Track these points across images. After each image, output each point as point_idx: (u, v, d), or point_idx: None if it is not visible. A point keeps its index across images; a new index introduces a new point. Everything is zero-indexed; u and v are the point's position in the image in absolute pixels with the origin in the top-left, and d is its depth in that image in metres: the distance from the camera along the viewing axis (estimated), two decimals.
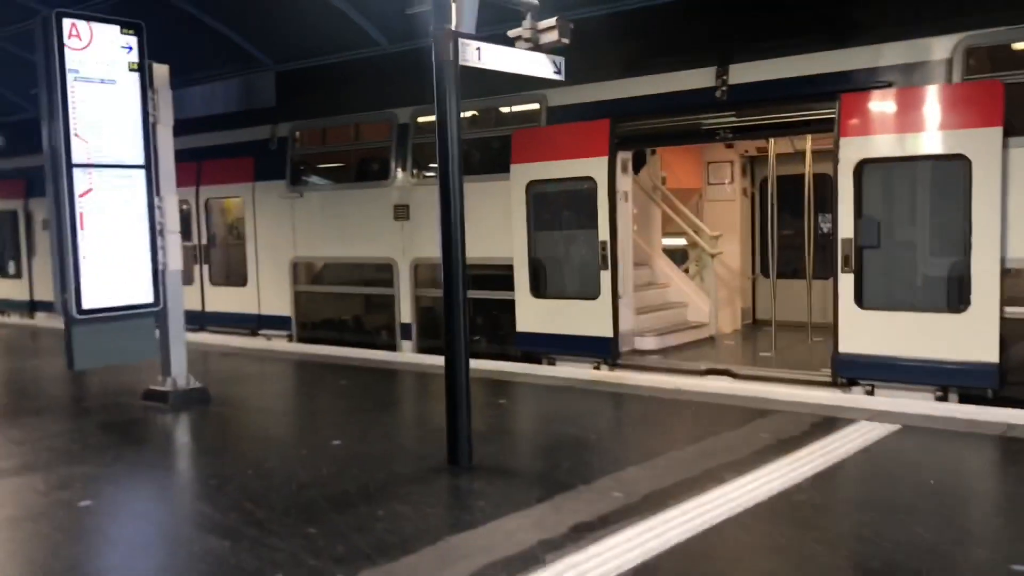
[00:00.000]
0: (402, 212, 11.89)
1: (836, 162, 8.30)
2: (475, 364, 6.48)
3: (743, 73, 9.14)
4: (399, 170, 11.98)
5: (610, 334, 10.01)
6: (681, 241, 12.72)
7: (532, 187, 10.50)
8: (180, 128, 14.48)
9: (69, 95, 7.55)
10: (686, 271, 12.02)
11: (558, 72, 6.71)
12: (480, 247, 10.69)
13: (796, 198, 12.56)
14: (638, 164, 10.99)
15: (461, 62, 5.87)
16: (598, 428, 7.24)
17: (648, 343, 10.39)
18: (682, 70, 9.51)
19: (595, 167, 9.96)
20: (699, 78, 9.40)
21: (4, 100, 16.81)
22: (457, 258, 5.92)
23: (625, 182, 10.15)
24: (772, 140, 10.17)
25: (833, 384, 8.56)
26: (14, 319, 17.10)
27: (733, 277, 11.96)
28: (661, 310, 11.04)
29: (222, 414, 8.12)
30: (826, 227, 11.70)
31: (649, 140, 10.09)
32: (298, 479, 5.77)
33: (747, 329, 12.13)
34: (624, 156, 10.11)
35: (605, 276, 9.97)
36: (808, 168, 10.72)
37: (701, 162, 12.39)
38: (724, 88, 9.19)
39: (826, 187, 10.76)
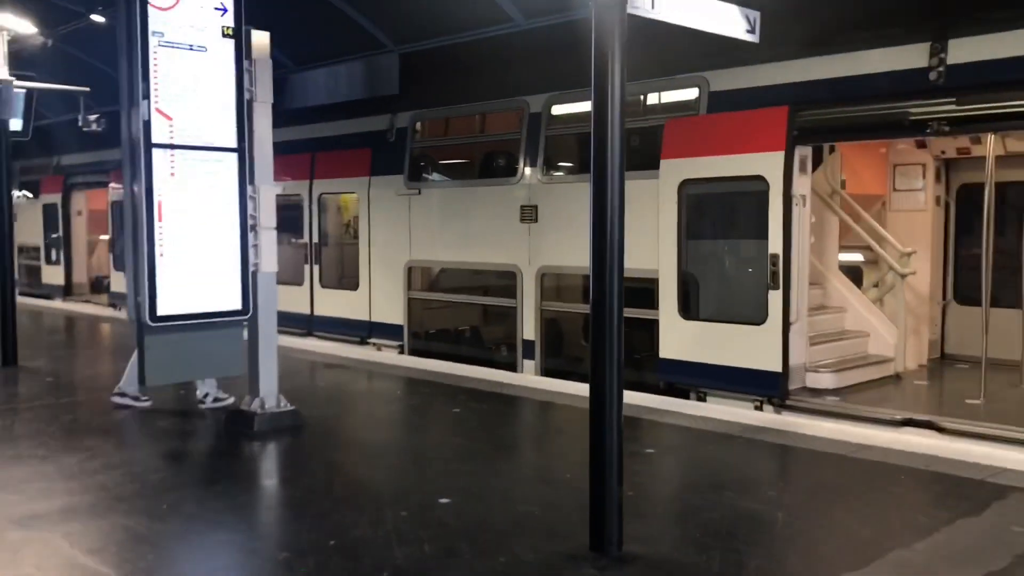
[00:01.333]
0: (529, 214, 10.43)
1: None
2: None
3: (966, 50, 7.24)
4: (528, 166, 10.51)
5: (778, 368, 8.26)
6: (858, 257, 10.79)
7: (686, 187, 8.85)
8: (295, 117, 13.56)
9: (151, 62, 6.39)
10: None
11: (751, 31, 5.08)
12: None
13: (998, 210, 10.47)
14: (814, 163, 9.16)
15: (630, 9, 4.31)
16: (782, 501, 5.54)
17: (823, 380, 8.57)
18: (884, 46, 7.68)
19: (767, 164, 8.24)
20: (907, 56, 7.55)
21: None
22: (614, 276, 4.38)
23: (803, 184, 8.38)
24: (990, 136, 8.18)
25: None
26: (56, 303, 18.38)
27: (920, 302, 9.96)
28: (837, 340, 9.18)
29: (313, 447, 6.81)
30: None
31: (837, 133, 8.28)
32: (392, 561, 4.33)
33: (935, 366, 10.10)
34: (803, 152, 8.34)
35: (775, 297, 8.23)
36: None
37: (886, 164, 10.44)
38: (941, 68, 7.32)
39: None
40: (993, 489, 5.62)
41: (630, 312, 10.19)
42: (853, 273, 10.33)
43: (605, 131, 4.28)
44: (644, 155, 9.23)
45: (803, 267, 8.41)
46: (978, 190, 10.34)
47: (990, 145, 8.14)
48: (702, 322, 8.86)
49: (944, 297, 10.47)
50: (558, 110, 10.43)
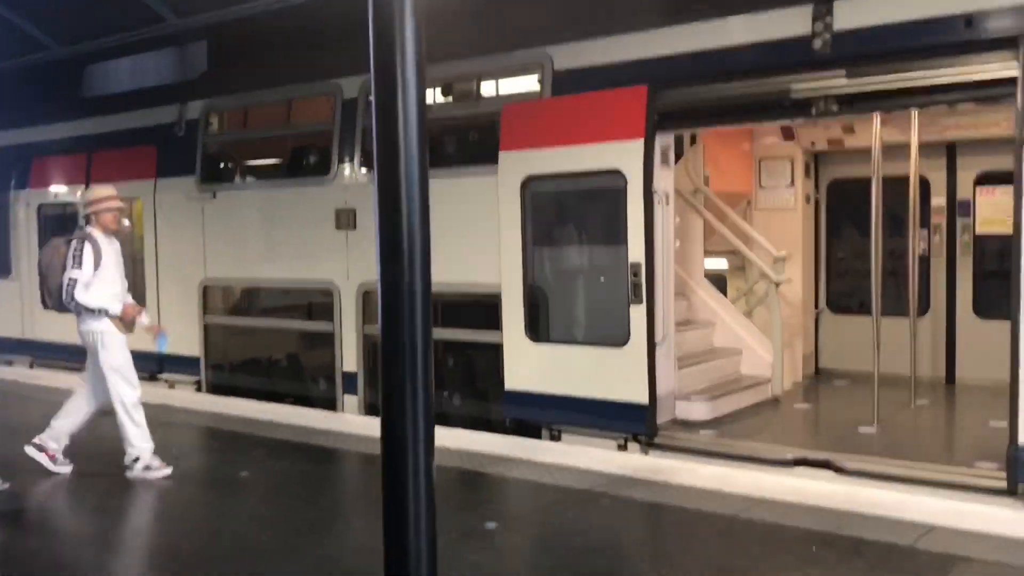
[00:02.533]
0: (346, 219, 8.67)
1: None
2: (444, 438, 3.31)
3: (857, 13, 6.05)
4: (343, 163, 8.76)
5: (644, 398, 6.87)
6: (722, 263, 9.61)
7: (530, 185, 7.35)
8: (73, 109, 11.27)
9: None
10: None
11: None
12: (448, 269, 7.60)
13: (866, 208, 9.53)
14: (675, 156, 7.85)
15: None
16: None
17: (695, 411, 7.24)
18: (759, 11, 6.41)
19: (624, 155, 6.84)
20: (786, 23, 6.30)
21: None
22: (414, 295, 2.73)
23: (666, 178, 7.02)
24: (876, 120, 7.04)
25: (1010, 492, 5.47)
26: None
27: (792, 312, 8.85)
28: (707, 361, 7.90)
29: (23, 558, 4.84)
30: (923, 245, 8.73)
31: (706, 117, 6.95)
32: None
33: (812, 383, 9.01)
34: (665, 141, 6.99)
35: (638, 313, 6.84)
36: (914, 167, 7.66)
37: (751, 158, 9.31)
38: (826, 36, 6.10)
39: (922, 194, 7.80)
40: (932, 561, 4.34)
41: (472, 335, 8.89)
42: (717, 282, 9.12)
43: (392, 118, 2.61)
44: (487, 148, 7.69)
45: (668, 277, 7.06)
46: (852, 186, 9.37)
47: (876, 129, 7.01)
48: (553, 345, 7.37)
49: (817, 306, 9.43)
50: None
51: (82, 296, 6.04)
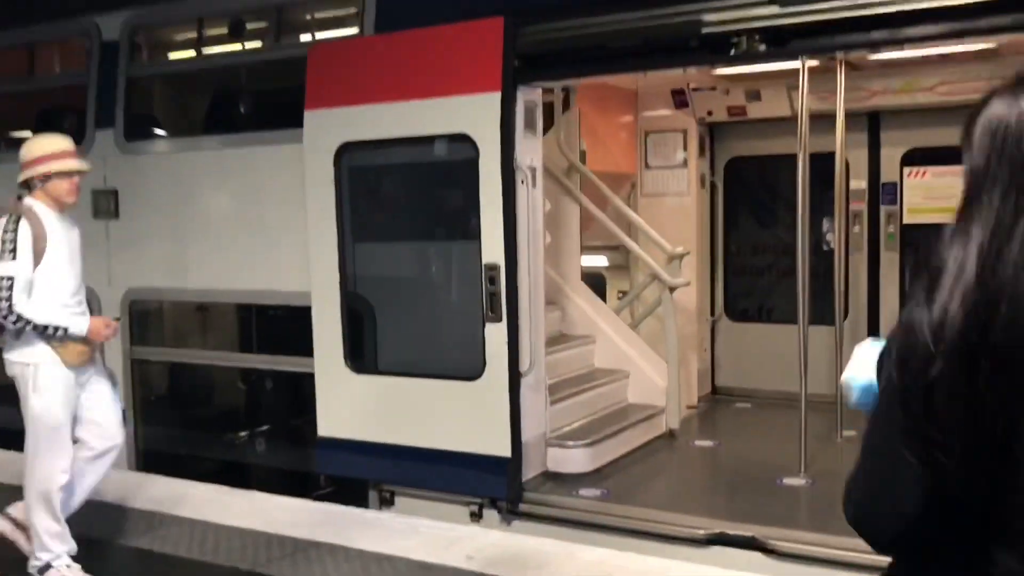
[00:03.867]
0: (107, 204, 6.42)
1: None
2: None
3: None
4: (101, 128, 6.49)
5: (505, 450, 5.01)
6: (600, 260, 7.85)
7: (346, 156, 5.35)
8: None
9: None
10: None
11: None
12: (242, 270, 5.58)
13: (772, 192, 8.00)
14: (544, 124, 5.97)
15: None
16: None
17: (573, 460, 5.40)
18: None
19: (474, 115, 4.95)
20: None
21: None
22: None
23: (533, 149, 5.14)
24: (802, 74, 5.35)
25: None
26: None
27: (687, 320, 7.15)
28: (586, 388, 6.06)
29: None
30: (831, 238, 7.22)
31: (587, 63, 5.05)
32: None
33: (710, 407, 7.37)
34: (531, 97, 5.11)
35: (496, 334, 4.96)
36: (840, 139, 6.09)
37: (635, 131, 7.56)
38: None
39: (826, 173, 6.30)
40: None
41: (271, 362, 6.29)
42: (592, 283, 7.32)
43: None
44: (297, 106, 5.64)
45: (537, 283, 5.19)
46: (754, 166, 7.79)
47: (804, 82, 5.31)
48: (381, 377, 5.41)
49: (712, 312, 7.79)
50: (150, 37, 6.53)
51: (23, 306, 3.91)
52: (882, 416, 1.34)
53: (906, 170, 7.06)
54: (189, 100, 6.80)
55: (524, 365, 5.06)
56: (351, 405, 5.47)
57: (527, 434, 5.14)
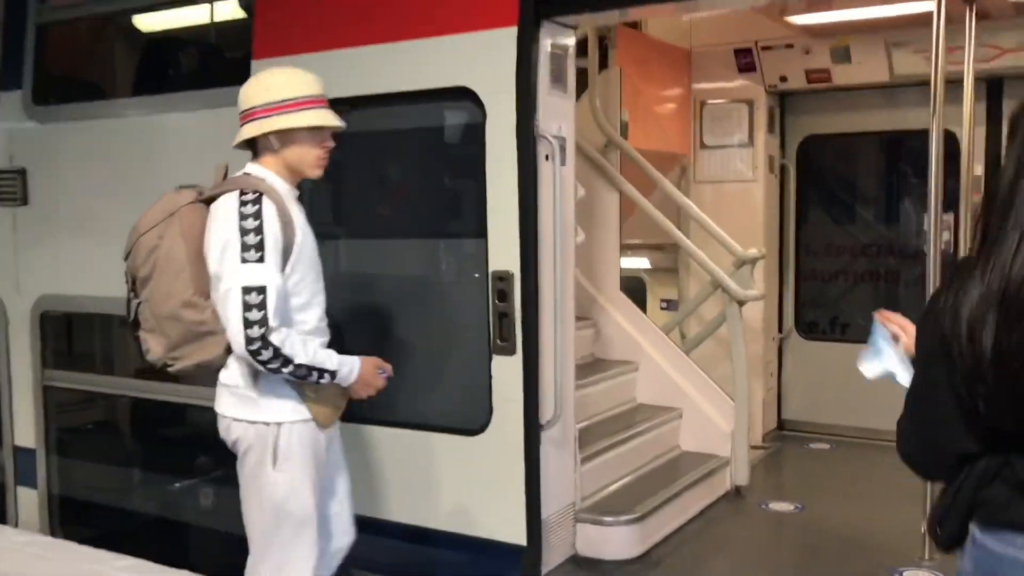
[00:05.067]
0: (11, 186, 5.01)
1: None
2: None
3: None
4: (7, 90, 5.08)
5: (519, 535, 3.56)
6: (640, 262, 6.38)
7: None
8: None
9: None
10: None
11: None
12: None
13: (860, 179, 6.52)
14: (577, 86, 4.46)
15: None
16: None
17: (614, 541, 3.92)
18: None
19: (479, 61, 3.49)
20: None
21: None
22: None
23: (563, 113, 3.66)
24: (939, 18, 3.84)
25: None
26: None
27: (752, 338, 5.63)
28: (628, 437, 4.56)
29: None
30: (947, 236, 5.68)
31: None
32: None
33: (778, 450, 5.86)
34: (560, 38, 3.63)
35: (507, 370, 3.50)
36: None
37: (688, 102, 6.05)
38: None
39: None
40: None
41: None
42: (628, 287, 5.80)
43: None
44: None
45: (566, 297, 3.70)
46: (836, 146, 6.30)
47: (939, 29, 3.80)
48: (346, 425, 3.95)
49: (780, 327, 6.28)
50: None
51: (281, 335, 2.63)
52: (926, 371, 1.67)
53: None
54: (118, 53, 5.37)
55: (547, 413, 3.61)
56: None
57: (549, 508, 3.68)
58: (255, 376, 2.72)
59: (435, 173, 3.95)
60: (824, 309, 6.40)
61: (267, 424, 2.73)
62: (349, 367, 2.77)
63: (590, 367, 4.81)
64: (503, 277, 3.52)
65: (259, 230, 2.59)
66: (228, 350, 2.71)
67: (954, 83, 5.10)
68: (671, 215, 5.30)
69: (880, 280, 6.15)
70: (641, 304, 5.96)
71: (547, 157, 3.54)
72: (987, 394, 1.53)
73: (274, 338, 2.57)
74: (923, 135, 5.52)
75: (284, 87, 2.73)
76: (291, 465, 2.74)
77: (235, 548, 4.22)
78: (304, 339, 2.68)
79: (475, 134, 3.51)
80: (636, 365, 5.02)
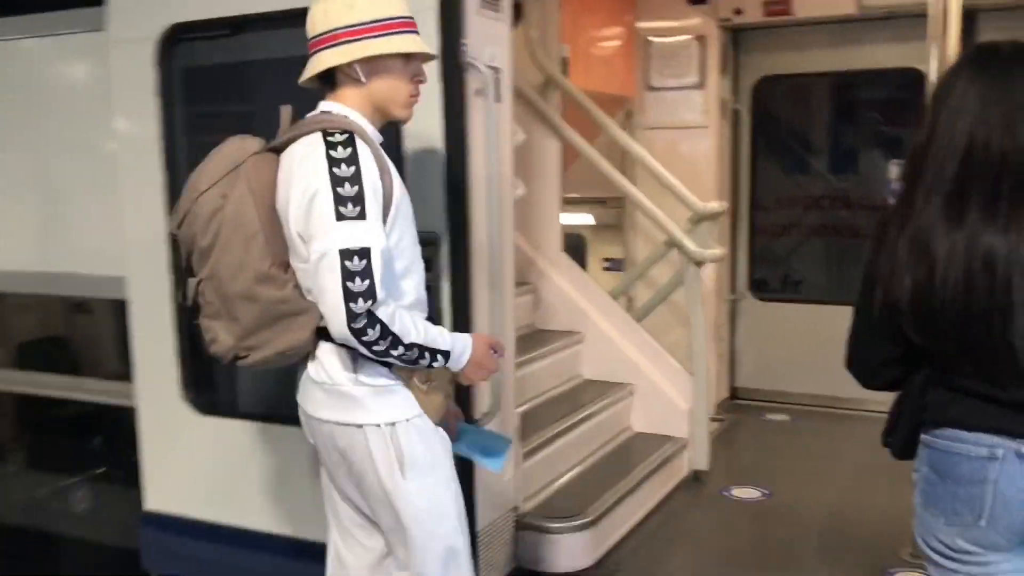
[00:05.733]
0: None
1: None
2: None
3: None
4: None
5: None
6: (584, 218, 5.75)
7: (179, 50, 3.14)
8: None
9: None
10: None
11: None
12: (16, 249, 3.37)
13: (823, 124, 5.99)
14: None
15: None
16: None
17: (564, 551, 3.32)
18: None
19: None
20: None
21: None
22: None
23: (495, 36, 2.97)
24: None
25: None
26: None
27: (703, 300, 5.07)
28: (576, 420, 3.95)
29: None
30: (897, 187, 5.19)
31: None
32: None
33: (734, 423, 5.34)
34: None
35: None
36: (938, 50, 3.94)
37: (633, 36, 5.39)
38: None
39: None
40: None
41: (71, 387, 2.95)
42: (569, 247, 5.17)
43: None
44: None
45: (504, 263, 3.04)
46: (792, 88, 5.76)
47: None
48: (242, 423, 3.25)
49: (733, 289, 5.74)
50: None
51: (389, 310, 2.09)
52: (867, 296, 1.86)
53: None
54: None
55: (482, 406, 2.97)
56: (193, 465, 3.33)
57: (486, 519, 3.06)
58: (355, 364, 2.16)
59: None
60: (780, 267, 5.89)
61: (378, 426, 2.17)
62: (463, 346, 2.23)
63: (530, 340, 4.18)
64: (427, 239, 2.84)
65: (356, 178, 2.02)
66: (316, 333, 2.15)
67: (920, 17, 4.63)
68: (616, 164, 4.68)
69: (841, 235, 5.64)
70: (581, 264, 5.35)
71: (478, 92, 2.85)
72: (911, 326, 1.79)
73: (382, 313, 2.04)
74: (890, 75, 4.99)
75: (373, 5, 2.15)
76: (419, 473, 2.20)
77: (112, 562, 3.51)
78: (412, 314, 2.16)
79: None
80: (582, 336, 4.41)
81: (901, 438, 1.92)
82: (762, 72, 5.57)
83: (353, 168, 2.02)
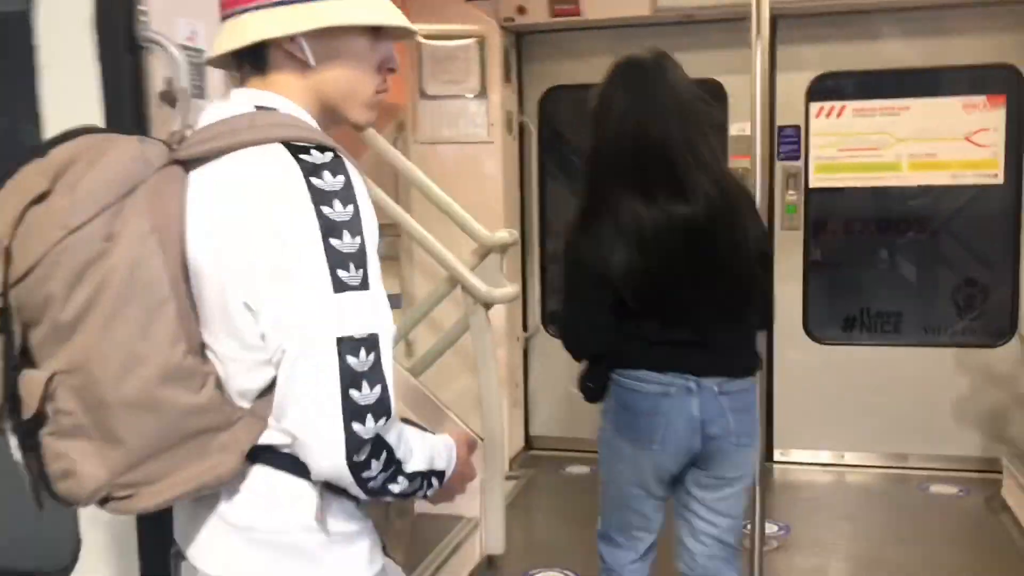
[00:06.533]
0: None
1: None
2: None
3: None
4: None
5: None
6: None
7: None
8: None
9: None
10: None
11: None
12: None
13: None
14: None
15: None
16: None
17: None
18: None
19: None
20: None
21: None
22: None
23: (200, 5, 2.10)
24: None
25: None
26: None
27: (495, 340, 4.38)
28: None
29: None
30: None
31: None
32: None
33: (531, 478, 4.68)
34: None
35: None
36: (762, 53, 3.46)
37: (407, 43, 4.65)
38: None
39: None
40: None
41: None
42: None
43: None
44: None
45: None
46: (581, 99, 5.12)
47: None
48: None
49: (525, 326, 5.10)
50: None
51: (397, 430, 1.30)
52: (577, 277, 2.26)
53: (813, 106, 4.71)
54: None
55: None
56: None
57: None
58: (319, 501, 1.34)
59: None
60: None
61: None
62: (448, 456, 1.45)
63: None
64: None
65: (355, 224, 1.26)
66: (246, 458, 1.32)
67: (722, 22, 4.32)
68: (387, 187, 3.90)
69: None
70: None
71: (164, 94, 1.94)
72: (628, 291, 2.16)
73: (392, 436, 1.30)
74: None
75: None
76: None
77: None
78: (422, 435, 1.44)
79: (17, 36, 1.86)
80: None
81: (598, 386, 2.29)
82: (550, 82, 4.99)
83: (351, 209, 1.26)
